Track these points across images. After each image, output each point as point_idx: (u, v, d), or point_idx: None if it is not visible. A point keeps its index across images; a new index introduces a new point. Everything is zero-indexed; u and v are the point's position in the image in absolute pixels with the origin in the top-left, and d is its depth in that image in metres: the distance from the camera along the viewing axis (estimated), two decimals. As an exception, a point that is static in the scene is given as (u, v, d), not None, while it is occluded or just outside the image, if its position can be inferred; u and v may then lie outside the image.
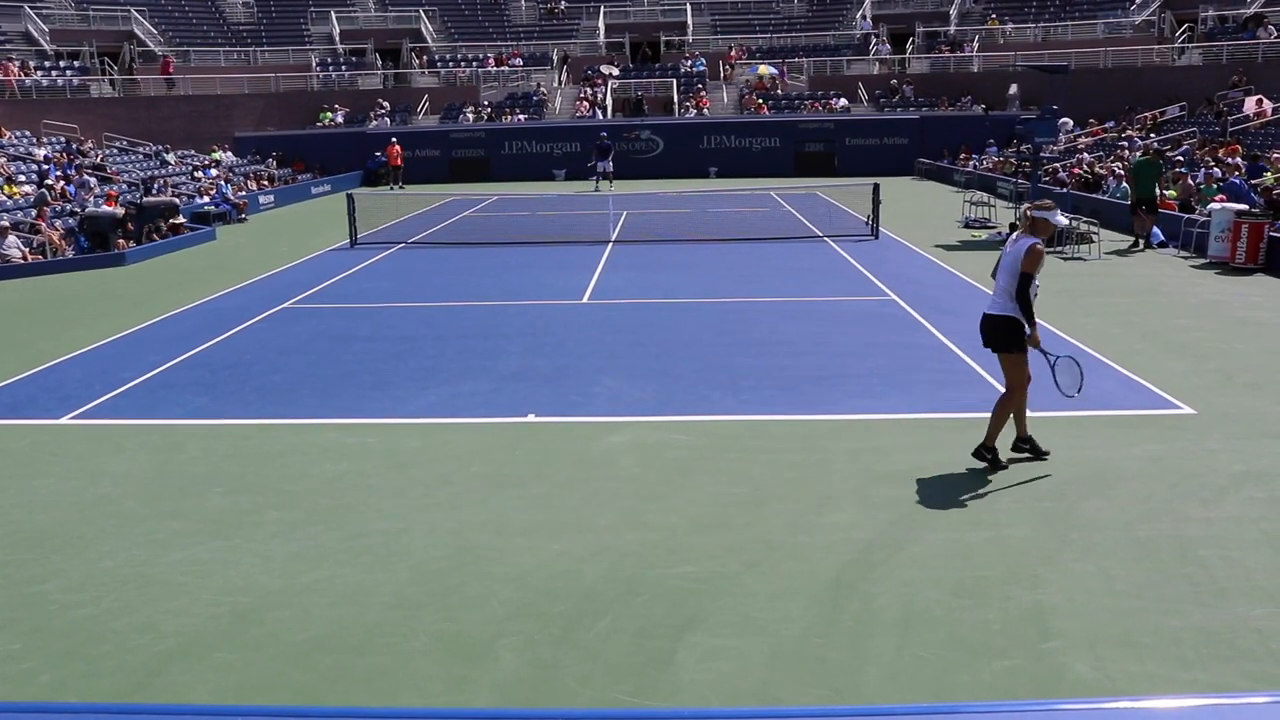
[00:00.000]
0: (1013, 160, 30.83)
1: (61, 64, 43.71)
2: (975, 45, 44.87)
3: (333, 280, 17.94)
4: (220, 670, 5.34)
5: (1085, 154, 30.53)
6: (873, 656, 5.34)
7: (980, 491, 7.56)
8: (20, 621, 5.90)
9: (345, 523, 7.25)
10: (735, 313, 14.23)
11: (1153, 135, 31.71)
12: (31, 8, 45.27)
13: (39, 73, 42.11)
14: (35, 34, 44.90)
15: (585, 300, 15.46)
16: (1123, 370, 10.81)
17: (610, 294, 15.83)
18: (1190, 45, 40.58)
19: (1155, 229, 20.01)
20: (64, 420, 9.93)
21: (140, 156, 35.13)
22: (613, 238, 22.24)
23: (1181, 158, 26.03)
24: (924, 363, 11.33)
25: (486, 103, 44.85)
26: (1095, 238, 18.96)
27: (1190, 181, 21.97)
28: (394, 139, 39.04)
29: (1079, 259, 18.49)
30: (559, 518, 7.26)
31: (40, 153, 30.87)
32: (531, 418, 9.64)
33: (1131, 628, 5.55)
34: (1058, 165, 29.18)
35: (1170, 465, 8.02)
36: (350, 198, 23.27)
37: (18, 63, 41.73)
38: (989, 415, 8.11)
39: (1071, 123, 34.85)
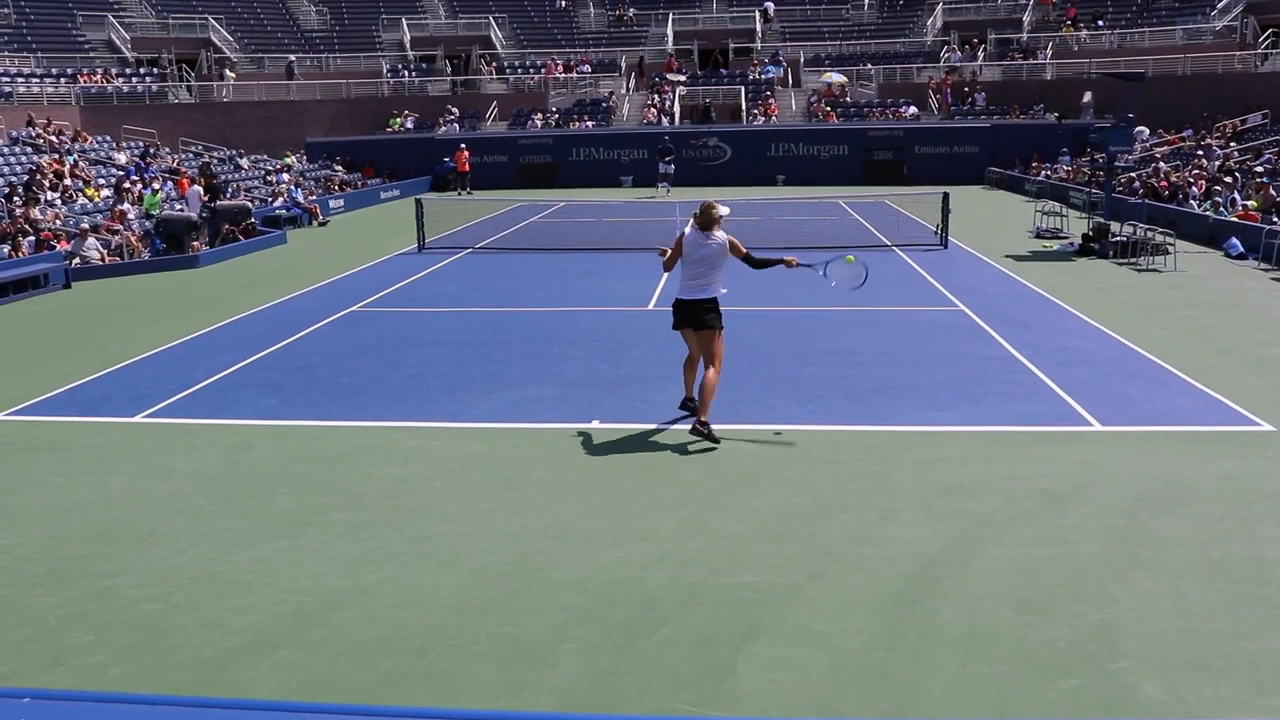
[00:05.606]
0: (1086, 170, 30.28)
1: (141, 71, 44.86)
2: (1049, 52, 44.20)
3: (400, 284, 18.14)
4: (284, 668, 5.41)
5: (1162, 163, 29.90)
6: (935, 672, 5.26)
7: (1048, 506, 7.41)
8: (93, 614, 6.03)
9: (409, 525, 7.32)
10: (801, 322, 14.14)
11: (1232, 144, 30.97)
12: (115, 16, 46.53)
13: (120, 79, 43.24)
14: (117, 41, 46.13)
15: (650, 307, 15.45)
16: (1198, 385, 10.55)
17: (675, 301, 15.76)
18: (1275, 51, 39.56)
19: (1234, 240, 19.55)
20: (137, 419, 10.15)
21: (215, 161, 35.85)
22: (678, 244, 22.15)
23: (1263, 167, 25.39)
24: (992, 375, 11.16)
25: (554, 109, 45.14)
26: (1171, 249, 18.55)
27: (1272, 192, 21.42)
28: (462, 145, 39.41)
29: (1154, 270, 18.11)
30: (621, 524, 7.25)
31: (120, 157, 31.66)
32: (595, 424, 9.65)
33: (1204, 650, 5.40)
34: (1133, 175, 28.61)
35: (1247, 484, 7.80)
36: (419, 203, 23.51)
37: (101, 70, 42.90)
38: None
39: (1147, 131, 34.16)
